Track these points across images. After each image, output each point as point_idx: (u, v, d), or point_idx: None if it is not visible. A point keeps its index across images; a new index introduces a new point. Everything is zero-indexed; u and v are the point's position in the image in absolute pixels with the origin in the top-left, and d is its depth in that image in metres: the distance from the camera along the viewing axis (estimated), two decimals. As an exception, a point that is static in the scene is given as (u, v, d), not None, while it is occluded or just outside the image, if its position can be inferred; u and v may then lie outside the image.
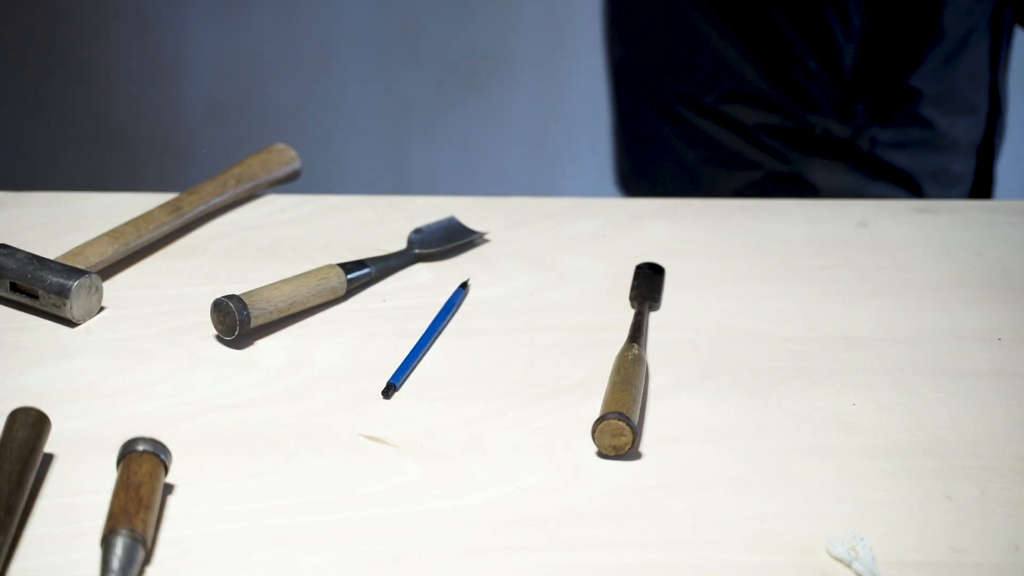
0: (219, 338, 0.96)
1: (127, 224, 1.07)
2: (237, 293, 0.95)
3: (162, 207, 1.10)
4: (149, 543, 0.74)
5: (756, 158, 1.46)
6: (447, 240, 1.11)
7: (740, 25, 1.41)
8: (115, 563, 0.71)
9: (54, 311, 0.97)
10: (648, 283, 1.05)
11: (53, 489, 0.80)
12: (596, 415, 0.88)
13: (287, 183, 1.24)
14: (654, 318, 1.02)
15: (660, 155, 1.54)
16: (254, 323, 0.95)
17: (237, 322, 0.94)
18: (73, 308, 0.96)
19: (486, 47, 2.60)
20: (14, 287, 0.98)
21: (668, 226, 1.17)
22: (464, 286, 1.05)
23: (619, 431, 0.84)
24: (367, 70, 2.52)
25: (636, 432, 0.84)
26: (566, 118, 2.70)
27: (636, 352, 0.92)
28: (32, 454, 0.78)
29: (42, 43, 2.46)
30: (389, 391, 0.91)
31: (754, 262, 1.11)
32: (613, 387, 0.88)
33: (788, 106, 1.43)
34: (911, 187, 1.48)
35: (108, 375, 0.92)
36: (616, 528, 0.79)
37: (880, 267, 1.12)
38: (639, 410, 0.87)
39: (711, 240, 1.15)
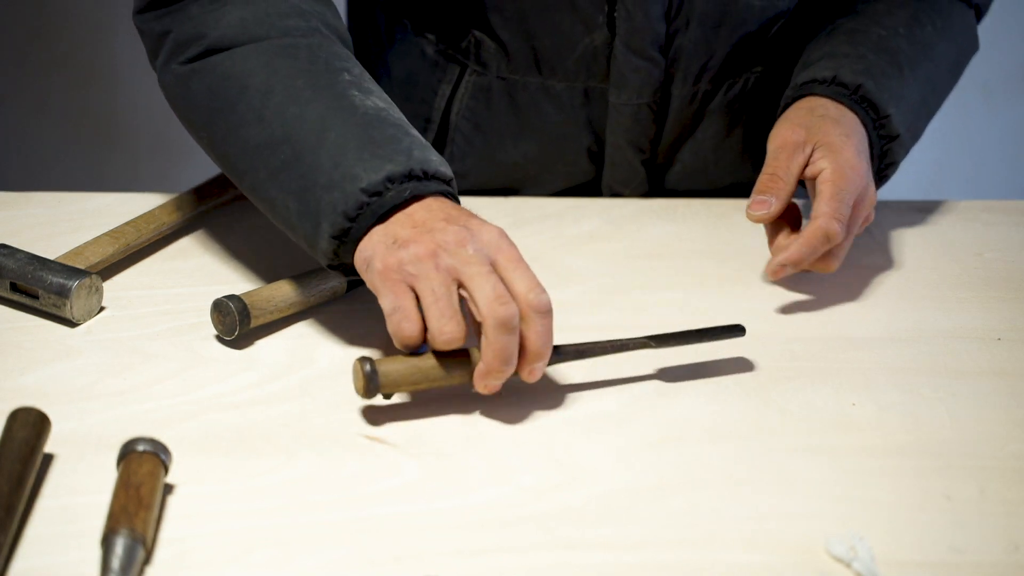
0: (219, 338, 0.96)
1: (127, 224, 1.07)
2: (237, 293, 0.95)
3: (162, 207, 1.10)
4: (149, 543, 0.74)
5: None
6: (447, 240, 1.11)
7: None
8: (115, 563, 0.71)
9: (54, 311, 0.97)
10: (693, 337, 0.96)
11: (53, 489, 0.80)
12: (596, 415, 0.88)
13: (287, 183, 1.24)
14: (654, 318, 1.02)
15: None
16: (254, 323, 0.95)
17: (237, 322, 0.94)
18: (73, 308, 0.96)
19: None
20: (14, 287, 0.98)
21: (668, 226, 1.18)
22: (464, 286, 1.04)
23: (358, 374, 0.86)
24: (367, 70, 2.52)
25: (371, 375, 0.85)
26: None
27: None
28: (32, 454, 0.78)
29: (42, 43, 2.46)
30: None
31: (754, 262, 1.11)
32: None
33: None
34: None
35: (108, 375, 0.92)
36: (616, 528, 0.79)
37: (880, 267, 1.12)
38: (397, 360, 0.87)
39: (711, 240, 1.15)
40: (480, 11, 1.17)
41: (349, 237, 0.90)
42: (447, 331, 0.85)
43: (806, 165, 1.05)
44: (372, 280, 0.89)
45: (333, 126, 0.93)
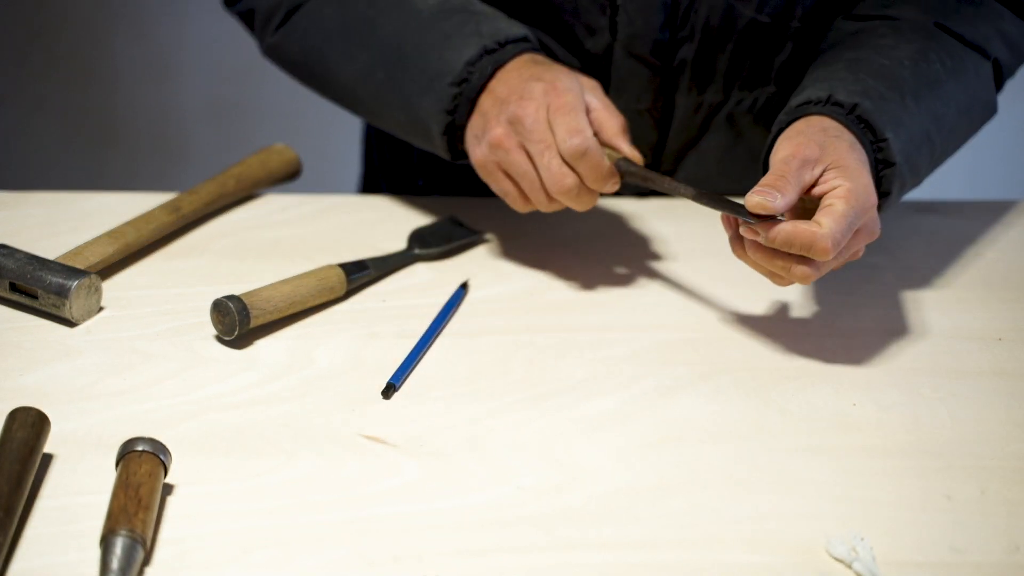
0: (219, 338, 0.96)
1: (127, 224, 1.07)
2: (237, 293, 0.95)
3: (162, 207, 1.10)
4: (148, 543, 0.74)
5: None
6: (447, 240, 1.11)
7: None
8: (114, 563, 0.71)
9: (54, 311, 0.97)
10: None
11: (53, 489, 0.80)
12: (596, 415, 0.88)
13: (287, 183, 1.24)
14: (654, 318, 1.02)
15: None
16: (254, 323, 0.95)
17: (237, 322, 0.94)
18: (73, 308, 0.96)
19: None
20: (14, 287, 0.98)
21: (668, 226, 1.17)
22: (464, 286, 1.05)
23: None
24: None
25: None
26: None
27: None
28: (32, 454, 0.78)
29: (42, 43, 2.46)
30: (389, 391, 0.91)
31: (754, 262, 1.11)
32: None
33: None
34: None
35: (108, 375, 0.92)
36: (616, 528, 0.78)
37: (880, 267, 1.12)
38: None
39: (711, 240, 1.15)
40: None
41: (455, 127, 1.04)
42: (540, 201, 1.01)
43: (814, 184, 0.94)
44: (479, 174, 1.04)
45: (407, 38, 1.05)
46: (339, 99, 1.15)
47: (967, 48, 1.11)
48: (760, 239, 0.91)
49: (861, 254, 0.96)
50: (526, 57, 1.03)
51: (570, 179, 0.98)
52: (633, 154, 1.02)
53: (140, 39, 2.48)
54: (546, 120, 0.98)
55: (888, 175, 1.00)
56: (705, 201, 0.96)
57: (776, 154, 0.96)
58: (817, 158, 0.94)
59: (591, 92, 1.02)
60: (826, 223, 0.90)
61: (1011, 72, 1.17)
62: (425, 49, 1.04)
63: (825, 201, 0.92)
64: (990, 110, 1.13)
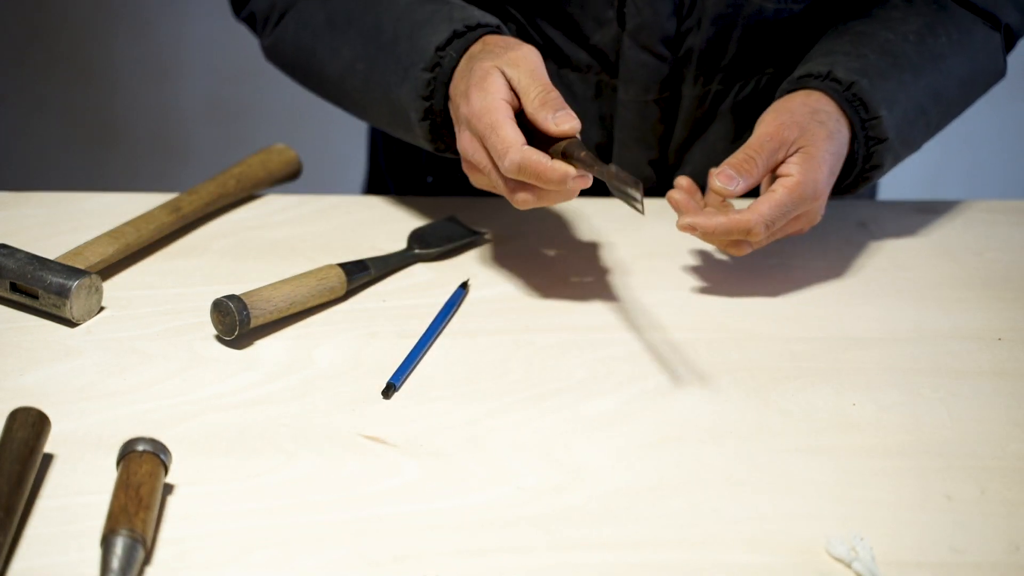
0: (219, 338, 0.96)
1: (127, 224, 1.07)
2: (237, 293, 0.95)
3: (162, 207, 1.10)
4: (149, 543, 0.74)
5: None
6: (447, 240, 1.11)
7: None
8: (115, 563, 0.71)
9: (54, 311, 0.97)
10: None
11: (53, 489, 0.80)
12: (596, 415, 0.88)
13: (287, 183, 1.24)
14: (654, 318, 1.02)
15: None
16: (254, 323, 0.95)
17: (237, 322, 0.94)
18: (73, 308, 0.96)
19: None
20: (14, 287, 0.98)
21: (668, 226, 1.17)
22: (464, 286, 1.05)
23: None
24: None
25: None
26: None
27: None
28: (32, 454, 0.78)
29: (42, 43, 2.46)
30: (389, 391, 0.91)
31: (754, 262, 1.11)
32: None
33: None
34: None
35: (108, 375, 0.92)
36: (616, 528, 0.79)
37: (880, 267, 1.12)
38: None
39: (711, 240, 1.15)
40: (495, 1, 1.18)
41: (434, 113, 1.03)
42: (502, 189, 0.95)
43: (782, 162, 1.03)
44: None
45: (384, 28, 1.07)
46: (331, 97, 1.16)
47: (977, 17, 1.16)
48: (697, 235, 1.01)
49: (805, 231, 1.07)
50: (475, 47, 1.00)
51: (521, 194, 0.93)
52: (560, 127, 0.93)
53: (140, 39, 2.48)
54: (481, 146, 0.95)
55: (880, 150, 1.08)
56: (615, 184, 0.91)
57: (760, 125, 1.05)
58: (794, 140, 1.03)
59: (513, 66, 0.96)
60: (761, 209, 1.00)
61: (1022, 33, 1.22)
62: (400, 38, 1.05)
63: (773, 185, 1.03)
64: (996, 76, 1.19)
